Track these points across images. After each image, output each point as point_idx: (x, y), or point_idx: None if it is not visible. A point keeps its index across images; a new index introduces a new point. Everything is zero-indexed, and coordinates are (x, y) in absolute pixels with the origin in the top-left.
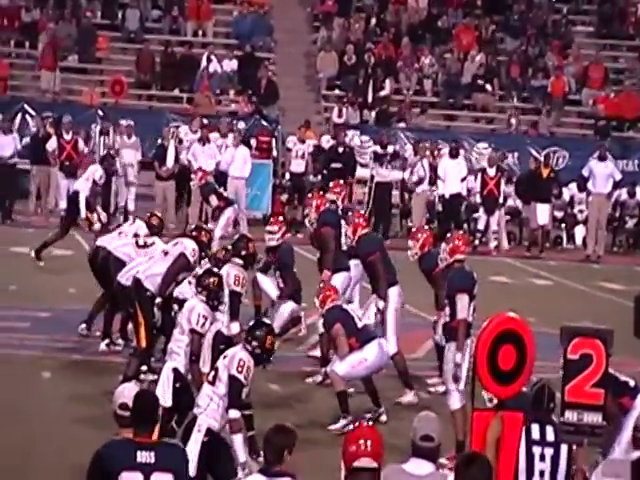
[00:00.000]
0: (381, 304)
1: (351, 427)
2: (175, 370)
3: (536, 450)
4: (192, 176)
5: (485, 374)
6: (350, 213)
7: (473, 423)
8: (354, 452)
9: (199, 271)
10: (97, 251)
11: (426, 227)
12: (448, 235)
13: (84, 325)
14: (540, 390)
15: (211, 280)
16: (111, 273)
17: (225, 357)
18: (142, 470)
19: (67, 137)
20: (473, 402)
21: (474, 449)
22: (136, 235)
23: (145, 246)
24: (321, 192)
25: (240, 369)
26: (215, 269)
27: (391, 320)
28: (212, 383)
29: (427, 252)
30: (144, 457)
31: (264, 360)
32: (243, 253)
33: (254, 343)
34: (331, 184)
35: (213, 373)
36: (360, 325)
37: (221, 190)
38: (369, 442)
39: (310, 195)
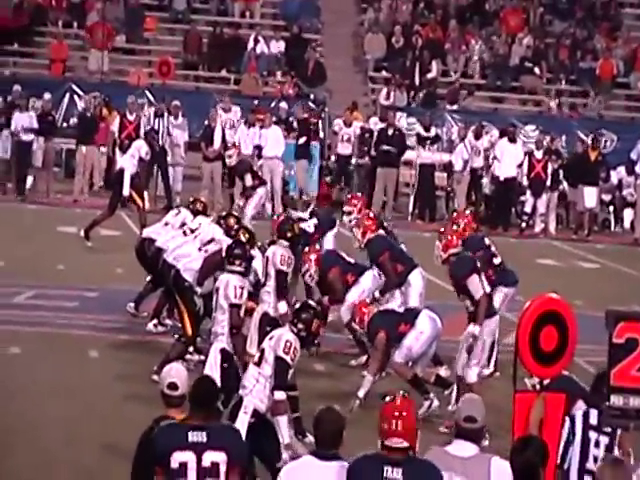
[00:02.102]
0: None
1: (435, 405)
2: (222, 351)
3: (592, 435)
4: (227, 153)
5: (527, 354)
6: (359, 216)
7: (515, 405)
8: (386, 430)
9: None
10: (143, 243)
11: (468, 211)
12: (441, 230)
13: (133, 304)
14: (602, 377)
15: (239, 250)
16: None
17: (271, 338)
18: (194, 449)
19: (130, 117)
20: (515, 384)
21: (517, 430)
22: (183, 225)
23: (192, 232)
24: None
25: (287, 350)
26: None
27: (415, 304)
28: (258, 364)
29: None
30: (195, 436)
31: (309, 343)
32: (289, 235)
33: (300, 325)
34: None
35: (259, 354)
36: (402, 310)
37: (256, 169)
38: (400, 422)
39: (307, 250)
